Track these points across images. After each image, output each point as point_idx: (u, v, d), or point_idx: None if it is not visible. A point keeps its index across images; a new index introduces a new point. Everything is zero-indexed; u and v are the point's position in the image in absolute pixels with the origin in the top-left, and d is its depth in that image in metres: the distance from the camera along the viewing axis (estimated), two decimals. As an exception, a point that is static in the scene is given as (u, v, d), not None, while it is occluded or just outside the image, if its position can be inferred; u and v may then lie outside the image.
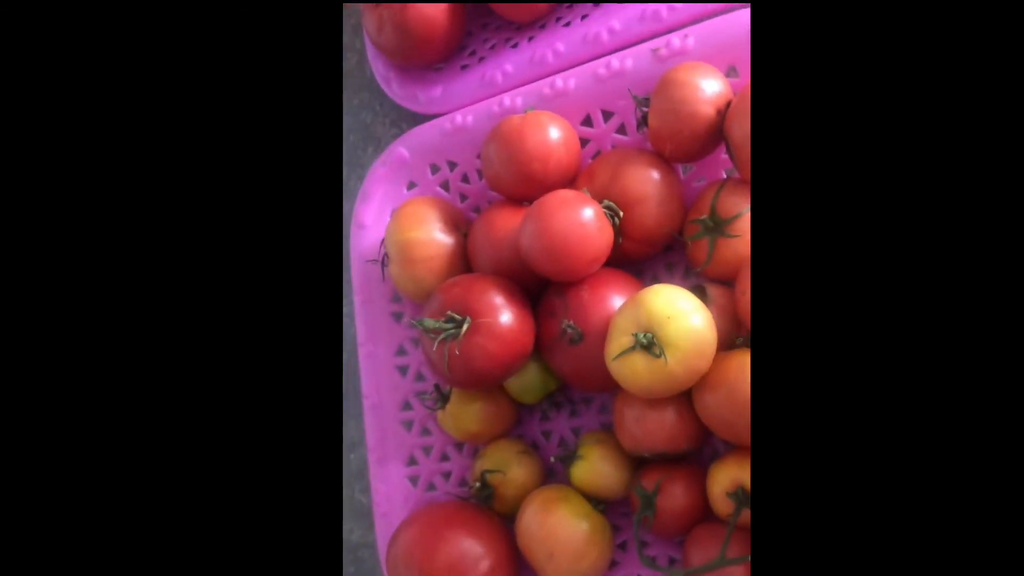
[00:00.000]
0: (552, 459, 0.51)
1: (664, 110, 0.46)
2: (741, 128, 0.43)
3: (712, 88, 0.45)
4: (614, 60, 0.51)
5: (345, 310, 0.65)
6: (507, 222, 0.51)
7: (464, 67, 0.61)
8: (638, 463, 0.48)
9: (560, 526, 0.46)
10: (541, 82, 0.54)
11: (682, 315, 0.41)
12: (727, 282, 0.47)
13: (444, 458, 0.57)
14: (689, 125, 0.45)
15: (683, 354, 0.41)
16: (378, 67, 0.64)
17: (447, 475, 0.57)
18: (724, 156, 0.49)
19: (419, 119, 0.61)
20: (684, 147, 0.46)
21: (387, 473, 0.58)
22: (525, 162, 0.49)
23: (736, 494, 0.42)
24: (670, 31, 0.50)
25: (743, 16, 0.47)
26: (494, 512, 0.52)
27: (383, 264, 0.56)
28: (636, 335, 0.41)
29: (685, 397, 0.44)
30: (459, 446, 0.57)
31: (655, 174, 0.47)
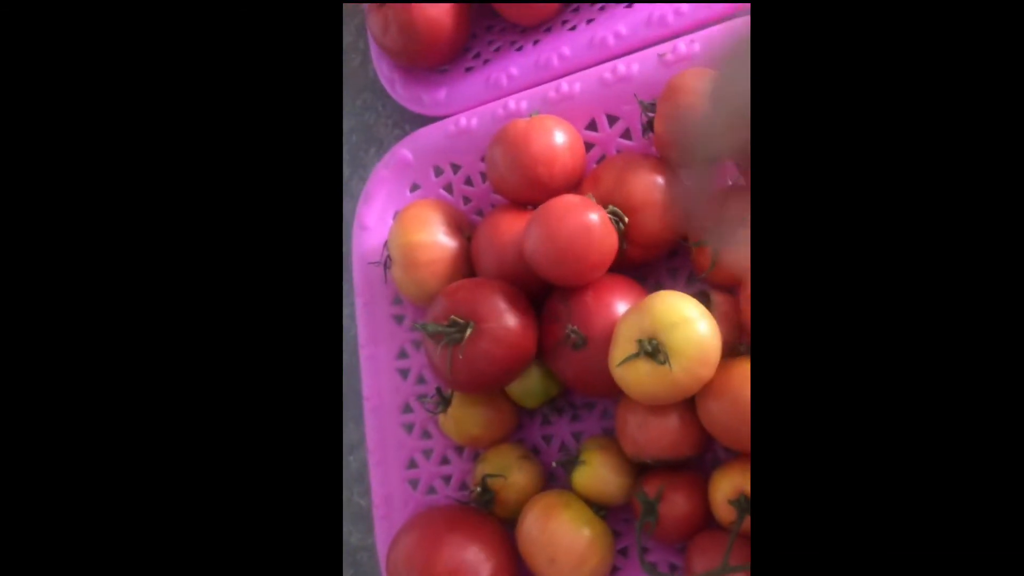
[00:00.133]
0: (553, 464, 0.50)
1: (670, 116, 0.46)
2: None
3: (718, 94, 0.45)
4: (620, 65, 0.51)
5: (346, 312, 0.65)
6: (511, 226, 0.50)
7: (469, 69, 0.61)
8: (640, 469, 0.48)
9: (561, 532, 0.46)
10: (546, 86, 0.54)
11: (688, 322, 0.41)
12: (731, 288, 0.47)
13: (444, 462, 0.57)
14: (695, 131, 0.45)
15: (688, 361, 0.40)
16: (382, 68, 0.63)
17: (447, 479, 0.57)
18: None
19: (422, 121, 0.60)
20: (690, 153, 0.46)
21: (387, 476, 0.58)
22: (530, 166, 0.49)
23: (738, 501, 0.42)
24: (676, 36, 0.50)
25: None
26: (495, 517, 0.51)
27: (385, 266, 0.56)
28: (641, 341, 0.41)
29: (688, 404, 0.44)
30: (460, 450, 0.57)
31: (660, 179, 0.47)
